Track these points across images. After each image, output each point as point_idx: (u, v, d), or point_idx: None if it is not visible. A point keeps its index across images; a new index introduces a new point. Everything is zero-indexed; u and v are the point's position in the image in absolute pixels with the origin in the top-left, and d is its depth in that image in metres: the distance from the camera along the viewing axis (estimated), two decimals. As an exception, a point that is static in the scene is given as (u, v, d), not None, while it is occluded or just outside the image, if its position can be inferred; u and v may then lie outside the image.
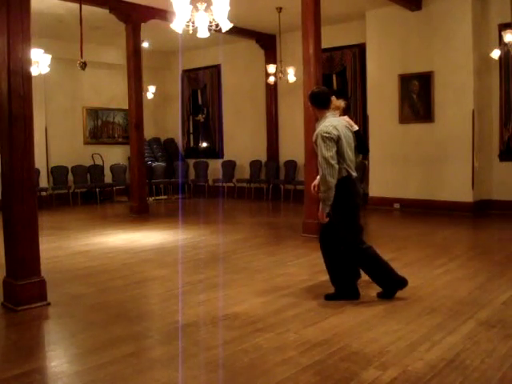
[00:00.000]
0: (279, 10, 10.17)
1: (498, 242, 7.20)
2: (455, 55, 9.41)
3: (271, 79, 11.25)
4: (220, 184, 13.17)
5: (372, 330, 3.72)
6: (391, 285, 4.43)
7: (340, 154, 4.30)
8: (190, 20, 5.45)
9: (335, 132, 4.28)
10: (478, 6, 9.38)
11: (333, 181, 4.22)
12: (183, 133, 14.76)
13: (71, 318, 4.19)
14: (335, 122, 4.36)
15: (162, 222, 9.48)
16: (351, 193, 4.38)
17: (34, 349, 3.58)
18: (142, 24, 10.03)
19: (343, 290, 4.44)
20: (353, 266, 4.55)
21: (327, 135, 4.25)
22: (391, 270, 4.43)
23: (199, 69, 14.05)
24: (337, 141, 4.28)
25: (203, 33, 5.59)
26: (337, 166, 4.25)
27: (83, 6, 8.63)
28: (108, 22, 10.31)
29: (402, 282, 4.41)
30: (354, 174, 4.43)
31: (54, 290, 4.64)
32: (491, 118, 9.56)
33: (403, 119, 10.17)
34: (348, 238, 4.39)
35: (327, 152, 4.22)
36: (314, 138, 4.40)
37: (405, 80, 10.07)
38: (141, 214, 10.06)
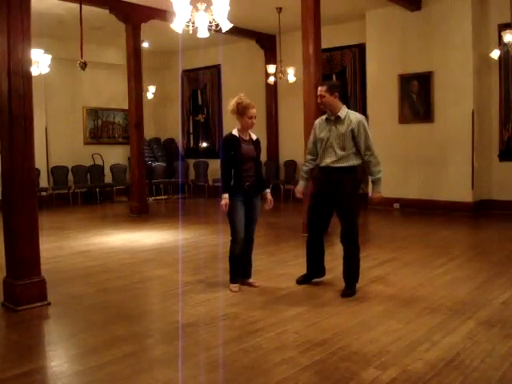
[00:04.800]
0: (279, 10, 10.16)
1: (498, 242, 7.20)
2: (455, 55, 9.41)
3: (271, 79, 11.25)
4: (220, 184, 13.11)
5: (372, 330, 3.72)
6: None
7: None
8: (190, 20, 5.44)
9: None
10: (478, 6, 9.38)
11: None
12: (183, 133, 14.75)
13: (71, 318, 4.19)
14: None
15: (162, 221, 9.48)
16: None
17: (34, 349, 3.58)
18: (142, 24, 10.02)
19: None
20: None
21: (367, 123, 4.59)
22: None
23: (199, 69, 14.03)
24: None
25: (203, 33, 5.58)
26: None
27: (83, 6, 8.64)
28: (108, 22, 10.30)
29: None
30: None
31: (53, 290, 4.64)
32: (491, 118, 9.56)
33: (403, 119, 10.17)
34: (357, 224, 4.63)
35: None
36: (352, 127, 4.51)
37: (405, 80, 10.07)
38: (141, 214, 10.06)
